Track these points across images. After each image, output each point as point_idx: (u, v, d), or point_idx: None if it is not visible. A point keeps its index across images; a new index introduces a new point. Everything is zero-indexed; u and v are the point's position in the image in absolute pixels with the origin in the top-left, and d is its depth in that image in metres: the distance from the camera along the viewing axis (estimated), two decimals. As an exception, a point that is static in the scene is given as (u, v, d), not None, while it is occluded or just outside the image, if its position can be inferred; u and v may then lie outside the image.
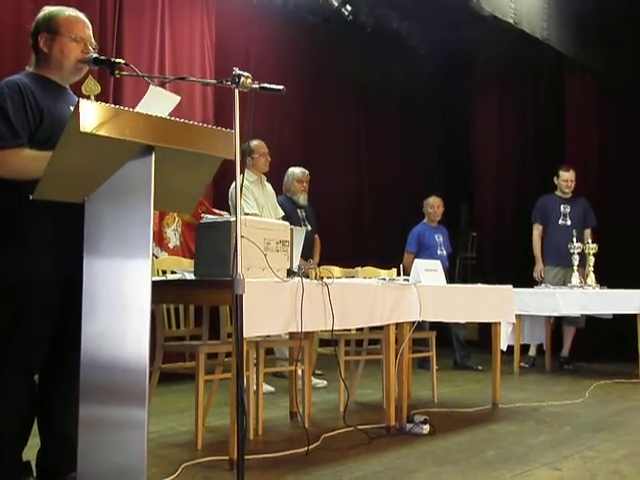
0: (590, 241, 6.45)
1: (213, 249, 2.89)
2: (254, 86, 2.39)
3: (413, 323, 3.91)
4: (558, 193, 6.88)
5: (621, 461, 3.14)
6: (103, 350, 2.25)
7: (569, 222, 6.73)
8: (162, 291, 3.06)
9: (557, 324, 6.88)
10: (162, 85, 2.69)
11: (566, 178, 6.78)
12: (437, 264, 4.40)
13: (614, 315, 6.24)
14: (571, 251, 6.39)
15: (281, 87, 2.47)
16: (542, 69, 8.45)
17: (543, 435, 3.71)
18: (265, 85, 2.45)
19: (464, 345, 6.79)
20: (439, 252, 6.60)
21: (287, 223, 3.27)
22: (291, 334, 3.82)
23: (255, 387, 3.69)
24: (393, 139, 9.02)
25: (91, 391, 2.26)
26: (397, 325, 3.78)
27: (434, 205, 6.73)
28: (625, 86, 7.67)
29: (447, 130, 9.62)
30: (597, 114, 8.03)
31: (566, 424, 4.00)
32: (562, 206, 6.80)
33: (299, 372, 4.03)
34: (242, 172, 2.37)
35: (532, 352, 6.85)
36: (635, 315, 5.77)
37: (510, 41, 7.48)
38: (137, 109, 2.35)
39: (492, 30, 7.22)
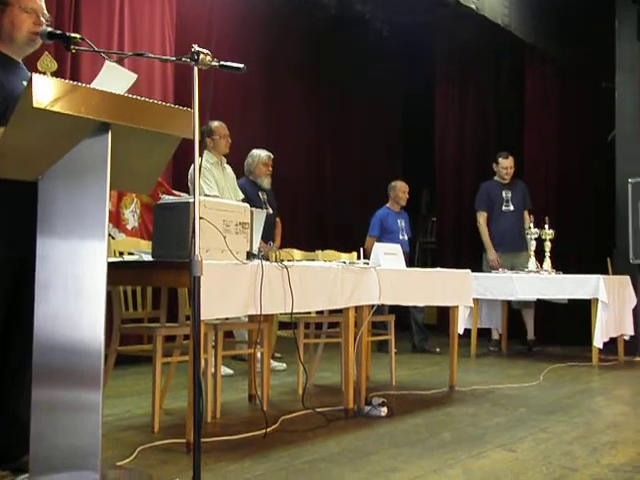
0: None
1: (171, 230, 2.84)
2: (214, 64, 2.34)
3: (372, 306, 3.92)
4: (497, 179, 6.95)
5: (573, 442, 3.20)
6: (57, 332, 2.21)
7: (512, 207, 6.83)
8: (119, 273, 3.02)
9: (514, 309, 6.99)
10: (120, 61, 2.63)
11: (505, 165, 6.86)
12: (397, 248, 4.41)
13: (569, 300, 6.35)
14: (528, 237, 6.47)
15: (241, 65, 2.43)
16: (503, 55, 8.51)
17: (498, 417, 3.77)
18: (225, 63, 2.40)
19: (423, 328, 6.86)
20: (401, 237, 6.63)
21: (247, 205, 3.24)
22: (250, 317, 3.80)
23: (213, 370, 3.66)
24: (355, 122, 9.02)
25: (45, 374, 2.21)
26: (356, 308, 3.79)
27: (402, 189, 6.75)
28: (583, 73, 7.77)
29: (409, 114, 9.66)
30: (556, 100, 8.13)
31: (521, 406, 4.07)
32: (504, 192, 6.89)
33: (258, 355, 4.02)
34: (201, 153, 2.34)
35: (496, 336, 6.94)
36: (589, 300, 5.89)
37: (472, 27, 7.51)
38: (92, 86, 2.29)
39: (455, 15, 7.25)
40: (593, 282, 5.85)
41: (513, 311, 7.00)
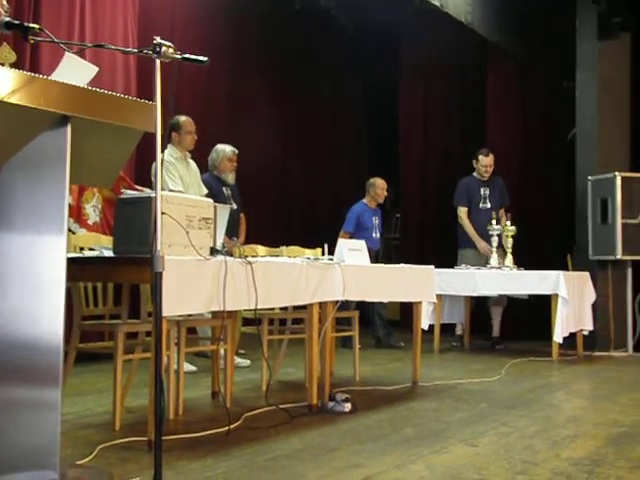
0: (509, 223, 6.58)
1: (133, 225, 2.80)
2: (176, 56, 2.31)
3: (336, 302, 3.92)
4: (476, 175, 6.99)
5: (534, 436, 3.25)
6: (15, 329, 2.16)
7: (489, 205, 6.88)
8: (79, 268, 2.96)
9: (481, 305, 7.04)
10: (80, 53, 2.57)
11: (485, 163, 6.90)
12: (362, 244, 4.42)
13: (530, 295, 6.44)
14: (490, 233, 6.54)
15: (204, 58, 2.39)
16: (467, 52, 8.59)
17: (460, 412, 3.80)
18: (188, 56, 2.37)
19: (386, 323, 6.89)
20: (374, 234, 6.69)
21: (210, 200, 3.21)
22: (214, 313, 3.77)
23: (176, 366, 3.63)
24: (320, 118, 9.02)
25: (3, 371, 2.16)
26: (321, 304, 3.79)
27: (381, 187, 6.77)
28: (544, 71, 7.88)
29: (374, 111, 9.69)
30: (518, 98, 8.23)
31: (483, 401, 4.11)
32: (482, 189, 6.94)
33: (221, 351, 4.00)
34: (165, 147, 2.30)
35: (459, 331, 7.01)
36: (549, 296, 5.97)
37: (437, 24, 7.56)
38: (52, 77, 2.24)
39: (419, 13, 7.28)
40: (553, 278, 5.94)
41: (478, 306, 7.06)
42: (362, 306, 5.27)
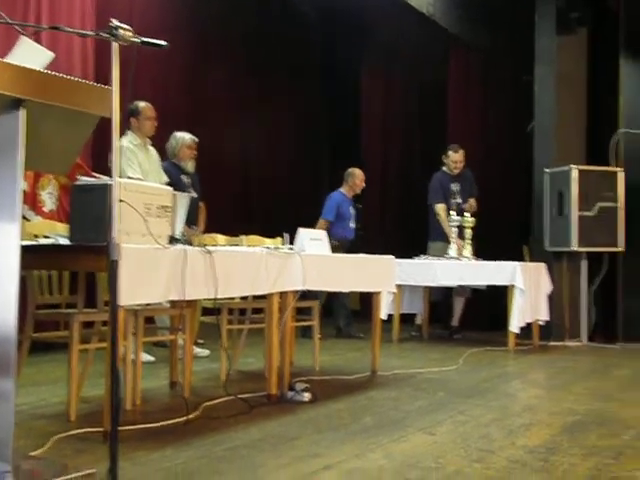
0: (468, 214, 6.63)
1: (89, 213, 2.74)
2: (134, 40, 2.26)
3: (297, 292, 3.91)
4: (446, 170, 7.00)
5: (490, 425, 3.29)
6: (-34, 318, 2.10)
7: (459, 200, 6.90)
8: (34, 256, 2.90)
9: (446, 295, 7.09)
10: (36, 36, 2.51)
11: (455, 159, 6.91)
12: (322, 234, 4.41)
13: (488, 286, 6.52)
14: (450, 224, 6.59)
15: (164, 42, 2.35)
16: (429, 45, 8.63)
17: (419, 401, 3.84)
18: (147, 39, 2.32)
19: (349, 314, 6.90)
20: (351, 224, 6.70)
21: (169, 188, 3.16)
22: (173, 302, 3.72)
23: (133, 356, 3.58)
24: (282, 106, 8.97)
25: (-48, 361, 2.10)
26: (281, 294, 3.77)
27: (360, 177, 6.79)
28: (505, 64, 7.95)
29: (336, 99, 9.67)
30: (478, 90, 8.30)
31: (441, 390, 4.15)
32: (453, 185, 6.96)
33: (180, 341, 3.96)
34: (123, 132, 2.26)
35: (418, 321, 7.05)
36: (507, 286, 6.05)
37: (399, 16, 7.57)
38: (5, 60, 2.17)
39: (382, 3, 7.28)
40: (510, 269, 6.02)
41: (444, 296, 7.10)
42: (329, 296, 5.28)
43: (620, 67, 7.07)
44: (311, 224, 4.68)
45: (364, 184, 6.83)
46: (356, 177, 6.78)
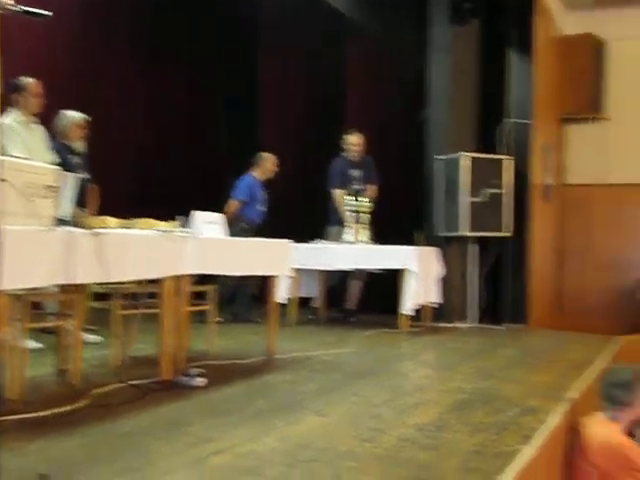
0: (366, 199, 6.73)
1: (-34, 192, 2.59)
2: (15, 9, 2.12)
3: (193, 276, 3.85)
4: (346, 155, 7.06)
5: (382, 405, 3.36)
6: None
7: (359, 186, 6.95)
8: None
9: (343, 278, 7.16)
10: None
11: (350, 142, 6.98)
12: (218, 217, 4.36)
13: (383, 270, 6.65)
14: (347, 209, 6.66)
15: (48, 13, 2.22)
16: (326, 27, 8.64)
17: (314, 383, 3.87)
18: (29, 9, 2.19)
19: (250, 299, 6.86)
20: (261, 208, 6.65)
21: (55, 167, 3.03)
22: (61, 287, 3.58)
23: (18, 343, 3.42)
24: (176, 85, 8.76)
25: None
26: (175, 278, 3.70)
27: (273, 162, 6.76)
28: (401, 50, 8.07)
29: (232, 82, 9.53)
30: (375, 77, 8.41)
31: (336, 372, 4.21)
32: (352, 170, 7.02)
33: (69, 327, 3.81)
34: (6, 110, 2.13)
35: (315, 304, 7.10)
36: (401, 270, 6.19)
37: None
38: None
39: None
40: (404, 253, 6.18)
41: (341, 279, 7.17)
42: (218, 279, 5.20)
43: (509, 59, 7.35)
44: (206, 208, 4.61)
45: (276, 169, 6.81)
46: (268, 161, 6.77)
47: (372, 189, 6.99)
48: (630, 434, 3.54)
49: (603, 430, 3.42)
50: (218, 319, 5.00)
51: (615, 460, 3.28)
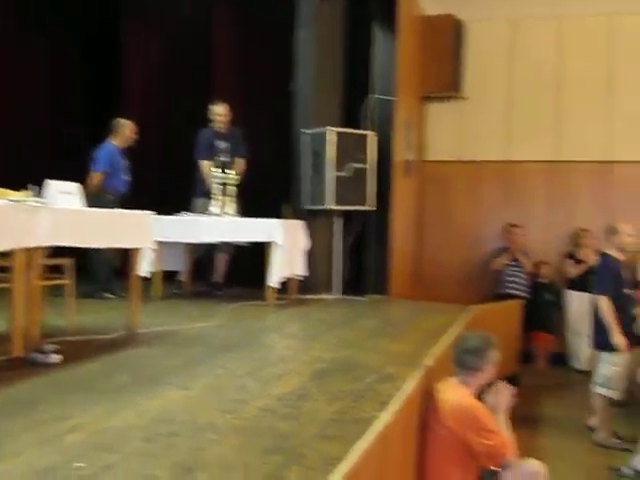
0: (233, 172, 6.66)
1: None
2: None
3: (47, 248, 3.67)
4: (213, 126, 6.93)
5: (246, 376, 3.38)
6: None
7: (226, 158, 6.85)
8: None
9: (209, 251, 7.07)
10: None
11: (216, 112, 6.87)
12: (74, 187, 4.16)
13: (250, 243, 6.64)
14: (213, 181, 6.58)
15: None
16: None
17: (177, 357, 3.83)
18: None
19: (111, 272, 6.64)
20: (124, 177, 6.39)
21: None
22: None
23: None
24: (38, 57, 8.28)
25: None
26: (27, 250, 3.52)
27: (131, 129, 6.53)
28: (271, 23, 8.02)
29: (94, 50, 9.11)
30: (244, 48, 8.31)
31: (200, 346, 4.18)
32: (219, 142, 6.91)
33: None
34: None
35: (182, 278, 6.98)
36: (267, 243, 6.21)
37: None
38: None
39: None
40: (270, 226, 6.20)
41: (207, 251, 7.09)
42: (80, 252, 4.99)
43: (374, 36, 7.48)
44: (65, 178, 4.38)
45: (135, 135, 6.58)
46: (126, 128, 6.54)
47: (240, 162, 6.94)
48: (480, 397, 3.77)
49: (455, 394, 3.61)
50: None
51: (466, 422, 3.47)
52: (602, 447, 5.51)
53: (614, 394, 5.55)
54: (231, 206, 6.59)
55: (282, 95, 7.97)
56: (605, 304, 5.47)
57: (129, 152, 6.71)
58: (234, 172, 6.63)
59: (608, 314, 5.45)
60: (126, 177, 6.55)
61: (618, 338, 5.36)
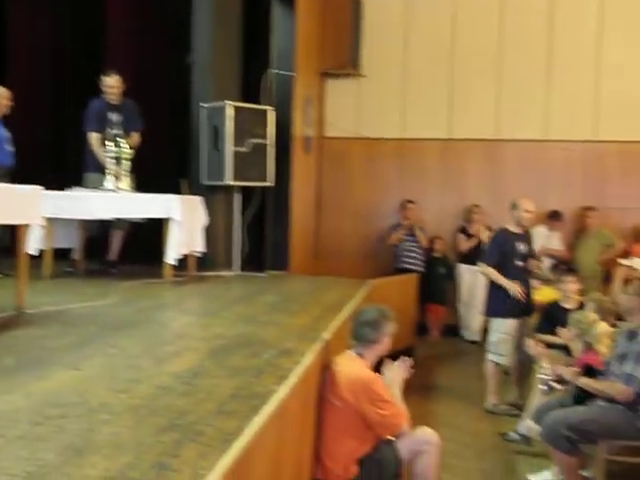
0: (127, 145, 6.45)
1: None
2: None
3: None
4: (105, 98, 6.66)
5: (140, 356, 3.30)
6: None
7: (118, 130, 6.60)
8: None
9: (104, 228, 6.83)
10: None
11: (108, 84, 6.60)
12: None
13: (146, 219, 6.47)
14: (106, 155, 6.36)
15: None
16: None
17: (68, 337, 3.69)
18: None
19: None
20: (8, 147, 6.06)
21: None
22: None
23: None
24: None
25: None
26: None
27: (6, 96, 6.15)
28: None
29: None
30: (138, 19, 8.06)
31: (92, 325, 4.04)
32: (111, 114, 6.64)
33: None
34: None
35: (75, 256, 6.72)
36: (165, 219, 6.07)
37: None
38: None
39: None
40: (167, 202, 6.05)
41: (102, 228, 6.85)
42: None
43: (274, 10, 7.41)
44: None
45: (10, 103, 6.23)
46: (2, 97, 6.16)
47: (134, 135, 6.72)
48: (376, 369, 3.84)
49: (352, 366, 3.67)
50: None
51: (362, 393, 3.53)
52: (491, 413, 5.77)
53: (501, 360, 5.82)
54: (126, 181, 6.39)
55: (179, 68, 7.80)
56: (486, 270, 5.85)
57: (17, 124, 6.37)
58: (128, 146, 6.41)
59: (490, 274, 5.78)
60: (10, 148, 6.19)
61: (507, 283, 5.68)
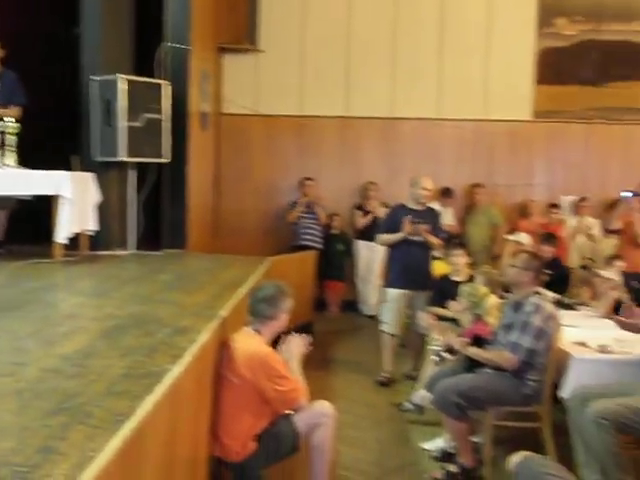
0: (12, 120, 6.14)
1: None
2: None
3: None
4: None
5: (27, 337, 3.17)
6: None
7: None
8: None
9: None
10: None
11: None
12: None
13: (34, 196, 6.19)
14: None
15: None
16: None
17: (-52, 321, 3.50)
18: None
19: None
20: None
21: None
22: None
23: None
24: None
25: None
26: None
27: None
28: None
29: None
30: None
31: (-25, 307, 3.85)
32: None
33: None
34: None
35: None
36: (55, 196, 5.84)
37: None
38: None
39: None
40: (57, 178, 5.83)
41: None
42: None
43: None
44: None
45: None
46: None
47: (16, 109, 6.39)
48: (274, 345, 3.86)
49: (249, 343, 3.66)
50: None
51: (259, 369, 3.54)
52: (385, 385, 5.93)
53: (387, 328, 6.01)
54: (12, 157, 6.09)
55: (68, 39, 7.45)
56: (380, 238, 6.20)
57: None
58: (13, 120, 6.10)
59: (384, 240, 6.12)
60: None
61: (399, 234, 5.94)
